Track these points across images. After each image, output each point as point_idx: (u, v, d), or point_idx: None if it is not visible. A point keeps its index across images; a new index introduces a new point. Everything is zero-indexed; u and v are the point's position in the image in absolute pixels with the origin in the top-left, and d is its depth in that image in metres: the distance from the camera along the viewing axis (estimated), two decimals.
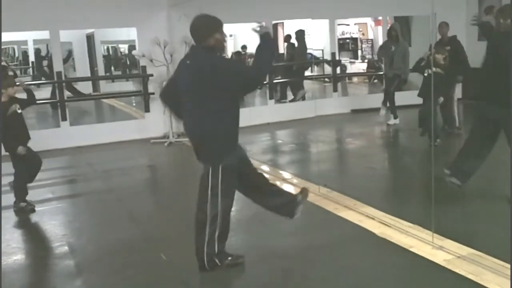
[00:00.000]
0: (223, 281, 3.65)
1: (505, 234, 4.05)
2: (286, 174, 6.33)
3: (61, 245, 4.46)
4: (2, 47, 14.87)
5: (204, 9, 8.42)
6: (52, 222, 4.98)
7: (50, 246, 4.56)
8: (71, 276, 3.86)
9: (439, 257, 3.65)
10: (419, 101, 7.10)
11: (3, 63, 13.54)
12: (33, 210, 5.24)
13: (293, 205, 3.91)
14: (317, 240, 4.18)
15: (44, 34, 9.62)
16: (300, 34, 11.95)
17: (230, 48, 19.39)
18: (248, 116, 10.06)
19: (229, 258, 3.72)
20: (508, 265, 3.42)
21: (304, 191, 4.02)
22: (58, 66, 8.60)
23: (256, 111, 10.03)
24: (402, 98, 9.67)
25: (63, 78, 8.74)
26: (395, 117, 9.04)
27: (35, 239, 4.70)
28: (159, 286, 3.60)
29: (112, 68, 16.91)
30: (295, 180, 6.02)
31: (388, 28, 9.59)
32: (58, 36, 8.63)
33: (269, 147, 8.35)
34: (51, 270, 4.05)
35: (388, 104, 9.04)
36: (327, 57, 12.12)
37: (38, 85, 13.66)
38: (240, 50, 16.14)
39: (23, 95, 5.44)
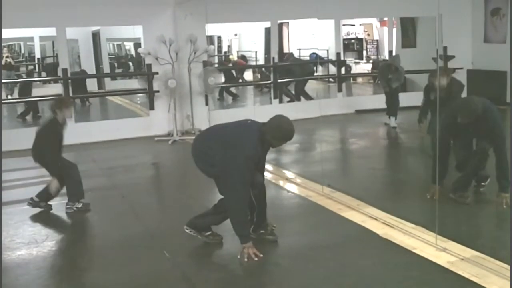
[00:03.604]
0: (227, 279, 3.66)
1: (508, 236, 4.04)
2: (289, 174, 6.33)
3: (65, 241, 4.48)
4: (9, 43, 14.95)
5: (210, 7, 8.49)
6: (57, 218, 4.99)
7: (54, 242, 4.57)
8: (74, 272, 3.87)
9: (442, 259, 3.65)
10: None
11: (9, 60, 13.60)
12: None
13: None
14: (321, 240, 4.18)
15: (50, 31, 9.65)
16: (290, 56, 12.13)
17: (235, 47, 19.48)
18: (252, 115, 10.06)
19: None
20: None
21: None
22: (64, 63, 8.63)
23: (260, 110, 10.01)
24: (407, 99, 9.68)
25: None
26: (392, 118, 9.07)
27: (40, 235, 4.71)
28: (162, 283, 3.60)
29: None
30: (298, 180, 6.02)
31: (388, 62, 9.53)
32: (65, 33, 8.66)
33: None
34: (55, 265, 4.06)
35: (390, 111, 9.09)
36: (332, 57, 12.12)
37: (44, 82, 13.77)
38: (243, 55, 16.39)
39: None
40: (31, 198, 5.20)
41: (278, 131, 3.77)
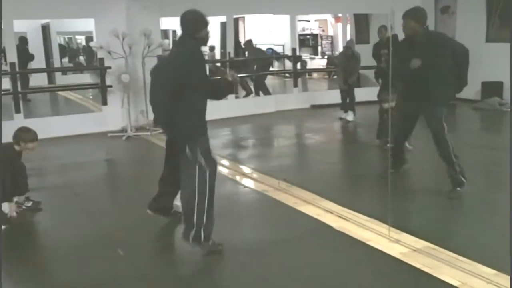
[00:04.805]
0: (183, 276, 3.62)
1: (458, 227, 4.20)
2: (246, 169, 6.33)
3: (16, 242, 4.32)
4: None
5: (164, 1, 8.32)
6: (6, 217, 4.79)
7: (4, 243, 4.39)
8: (26, 274, 3.74)
9: (395, 250, 3.73)
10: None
11: None
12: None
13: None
14: (277, 235, 4.20)
15: None
16: (248, 44, 12.05)
17: None
18: (209, 110, 10.02)
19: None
20: (462, 258, 3.53)
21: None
22: (11, 57, 8.30)
23: (216, 106, 9.92)
24: (361, 94, 9.85)
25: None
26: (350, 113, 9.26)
27: None
28: (117, 281, 3.53)
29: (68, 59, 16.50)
30: (255, 175, 6.03)
31: (345, 46, 9.64)
32: (12, 26, 8.32)
33: (229, 141, 8.33)
34: (6, 269, 3.91)
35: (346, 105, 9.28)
36: (288, 52, 12.19)
37: None
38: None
39: None
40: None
41: (197, 26, 4.06)
